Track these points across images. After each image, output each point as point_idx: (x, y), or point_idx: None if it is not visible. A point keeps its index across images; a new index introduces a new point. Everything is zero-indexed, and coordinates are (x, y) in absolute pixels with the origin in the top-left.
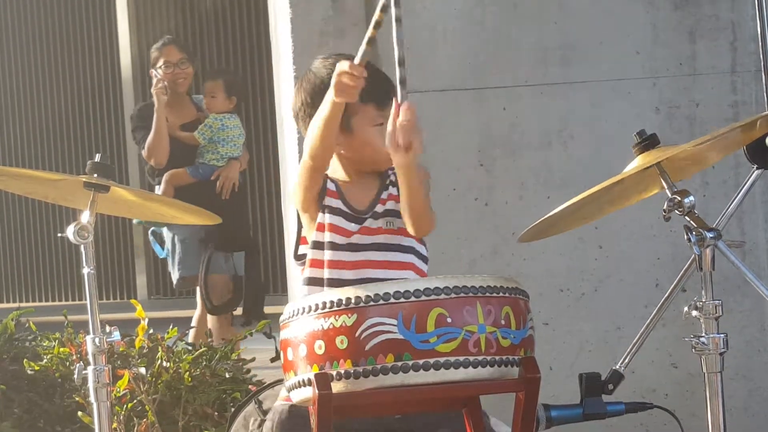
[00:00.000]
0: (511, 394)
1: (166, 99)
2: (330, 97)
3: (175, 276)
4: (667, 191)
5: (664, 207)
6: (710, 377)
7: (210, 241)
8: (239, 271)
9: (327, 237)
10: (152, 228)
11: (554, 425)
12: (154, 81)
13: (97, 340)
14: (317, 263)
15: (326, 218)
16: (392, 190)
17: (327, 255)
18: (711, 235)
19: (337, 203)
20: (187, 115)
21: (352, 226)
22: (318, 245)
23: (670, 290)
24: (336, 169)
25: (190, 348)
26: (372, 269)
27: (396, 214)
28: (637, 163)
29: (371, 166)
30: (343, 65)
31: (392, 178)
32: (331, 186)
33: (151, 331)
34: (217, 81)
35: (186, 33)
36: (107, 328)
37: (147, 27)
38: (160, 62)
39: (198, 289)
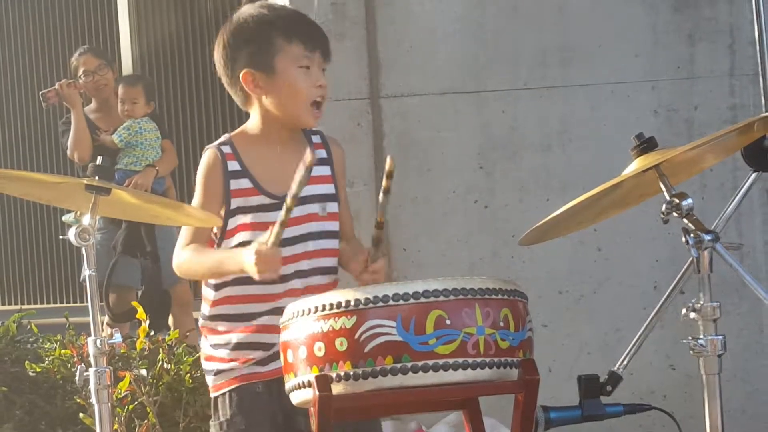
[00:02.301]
0: (510, 396)
1: (81, 96)
2: (245, 266)
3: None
4: (666, 194)
5: (663, 209)
6: (708, 379)
7: (117, 248)
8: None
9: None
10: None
11: (553, 427)
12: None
13: (98, 341)
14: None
15: (247, 218)
16: (320, 169)
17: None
18: (709, 238)
19: (254, 200)
20: (117, 121)
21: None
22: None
23: (668, 292)
24: (253, 141)
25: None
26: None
27: (328, 198)
28: (636, 165)
29: (292, 120)
30: (260, 249)
31: (320, 153)
32: (241, 183)
33: (152, 333)
34: (137, 87)
35: (186, 33)
36: (109, 330)
37: (147, 27)
38: (80, 72)
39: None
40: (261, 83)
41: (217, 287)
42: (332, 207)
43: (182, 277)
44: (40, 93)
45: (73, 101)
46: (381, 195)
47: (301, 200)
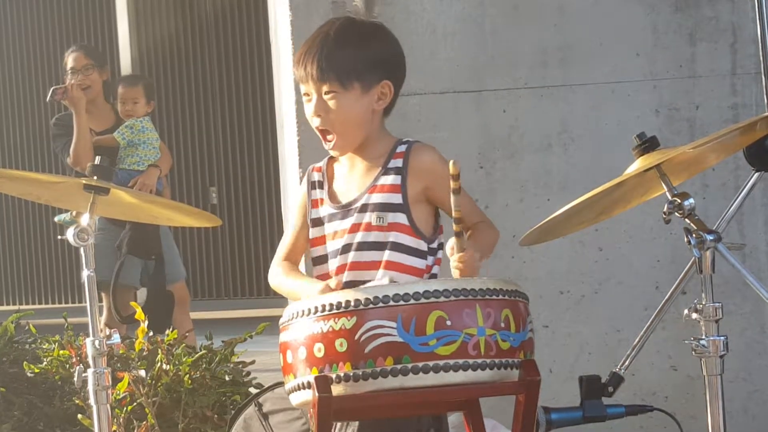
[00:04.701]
0: (511, 397)
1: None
2: (313, 293)
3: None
4: (667, 193)
5: (664, 209)
6: (710, 380)
7: (122, 248)
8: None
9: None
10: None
11: (554, 428)
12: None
13: (97, 342)
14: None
15: (314, 231)
16: (387, 178)
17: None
18: (711, 238)
19: (323, 210)
20: (105, 122)
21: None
22: (320, 260)
23: (670, 293)
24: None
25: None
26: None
27: (389, 207)
28: (637, 165)
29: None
30: (324, 290)
31: (395, 163)
32: (316, 194)
33: (151, 333)
34: (137, 87)
35: (186, 33)
36: (107, 331)
37: (147, 27)
38: (68, 68)
39: (104, 297)
40: None
41: None
42: (396, 217)
43: (274, 288)
44: (52, 88)
45: (78, 105)
46: (452, 196)
47: (356, 209)
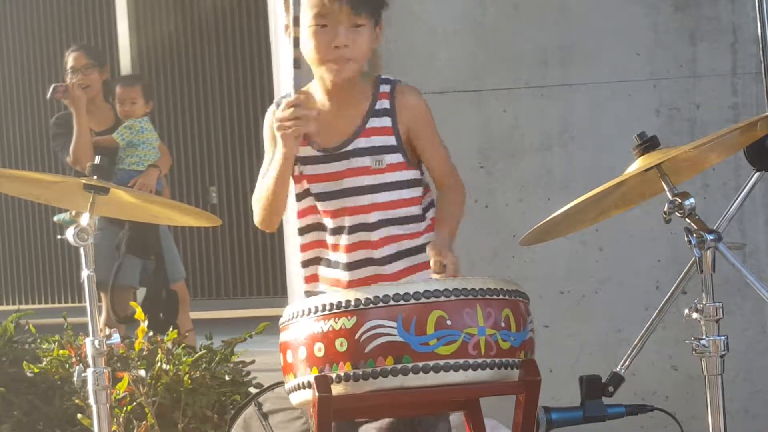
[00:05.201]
0: (511, 397)
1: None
2: (279, 151)
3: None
4: (668, 193)
5: (665, 209)
6: (711, 380)
7: (121, 248)
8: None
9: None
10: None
11: (555, 428)
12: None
13: (96, 342)
14: (308, 210)
15: (296, 170)
16: (377, 120)
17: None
18: (711, 238)
19: (302, 151)
20: (104, 122)
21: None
22: (303, 195)
23: (670, 292)
24: (312, 95)
25: (189, 350)
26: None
27: (386, 150)
28: (638, 165)
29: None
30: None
31: (382, 104)
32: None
33: (150, 333)
34: (136, 87)
35: (186, 33)
36: (107, 331)
37: (147, 27)
38: (68, 67)
39: (103, 297)
40: (299, 37)
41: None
42: (393, 158)
43: (263, 222)
44: (53, 85)
45: (79, 105)
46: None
47: (350, 153)
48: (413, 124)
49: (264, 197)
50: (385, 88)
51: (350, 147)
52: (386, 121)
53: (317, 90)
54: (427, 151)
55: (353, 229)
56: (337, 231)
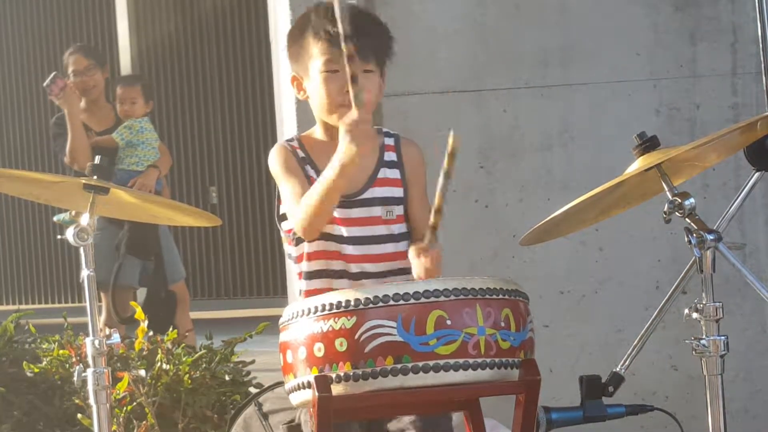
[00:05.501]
0: (511, 397)
1: (80, 101)
2: (342, 153)
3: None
4: (668, 193)
5: (665, 209)
6: (711, 380)
7: (121, 248)
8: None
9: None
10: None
11: (555, 428)
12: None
13: (96, 342)
14: (318, 255)
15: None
16: (388, 171)
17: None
18: (711, 238)
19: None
20: (105, 122)
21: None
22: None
23: (670, 292)
24: (318, 141)
25: (189, 350)
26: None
27: (395, 201)
28: (638, 165)
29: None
30: (352, 115)
31: (390, 156)
32: (309, 171)
33: (151, 333)
34: (136, 87)
35: (186, 33)
36: (107, 331)
37: (147, 27)
38: (69, 70)
39: (103, 297)
40: (304, 87)
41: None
42: (399, 210)
43: (309, 227)
44: (53, 73)
45: (71, 105)
46: (441, 177)
47: (366, 201)
48: (412, 176)
49: (320, 200)
50: (390, 141)
51: (366, 195)
52: (396, 173)
53: (323, 139)
54: (415, 202)
55: (358, 276)
56: (358, 276)
